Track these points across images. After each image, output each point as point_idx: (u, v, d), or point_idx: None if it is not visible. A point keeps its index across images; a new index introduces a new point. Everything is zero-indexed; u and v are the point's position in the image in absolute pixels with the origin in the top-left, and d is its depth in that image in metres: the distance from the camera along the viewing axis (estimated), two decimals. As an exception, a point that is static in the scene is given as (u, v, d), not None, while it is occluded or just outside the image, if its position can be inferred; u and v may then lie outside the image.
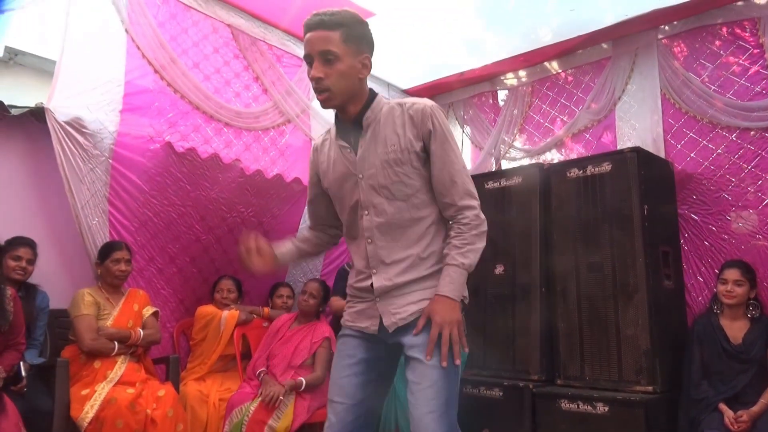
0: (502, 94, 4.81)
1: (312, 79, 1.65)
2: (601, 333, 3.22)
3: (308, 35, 1.64)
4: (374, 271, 1.71)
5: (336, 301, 3.72)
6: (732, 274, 3.03)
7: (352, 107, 1.70)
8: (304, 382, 3.27)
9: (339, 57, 1.61)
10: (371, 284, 1.71)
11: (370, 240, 1.71)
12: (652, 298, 3.10)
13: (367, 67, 1.69)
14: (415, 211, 1.70)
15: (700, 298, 3.51)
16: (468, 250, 1.65)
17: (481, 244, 1.69)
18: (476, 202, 1.71)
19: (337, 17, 1.62)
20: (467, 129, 4.92)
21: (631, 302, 3.13)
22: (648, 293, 3.10)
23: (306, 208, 2.06)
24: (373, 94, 1.74)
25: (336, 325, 4.00)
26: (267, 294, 3.99)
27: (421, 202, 1.71)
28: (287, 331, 3.58)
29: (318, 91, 1.65)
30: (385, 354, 1.76)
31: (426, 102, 1.71)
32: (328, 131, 1.84)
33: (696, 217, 3.60)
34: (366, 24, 1.69)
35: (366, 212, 1.71)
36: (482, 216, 1.71)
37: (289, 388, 3.21)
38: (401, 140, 1.67)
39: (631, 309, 3.12)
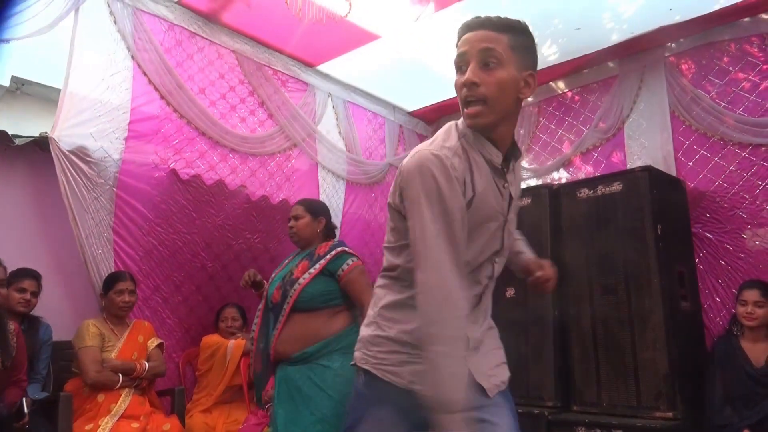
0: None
1: (463, 85, 1.31)
2: (617, 357, 3.13)
3: (468, 34, 1.33)
4: (480, 322, 1.46)
5: None
6: (752, 295, 2.95)
7: (504, 133, 1.38)
8: None
9: (502, 63, 1.30)
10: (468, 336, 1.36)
11: (486, 288, 1.46)
12: (670, 320, 3.02)
13: (530, 87, 1.36)
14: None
15: (717, 319, 3.42)
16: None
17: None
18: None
19: (507, 20, 1.33)
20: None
21: (647, 325, 3.05)
22: (665, 315, 3.01)
23: (455, 239, 1.31)
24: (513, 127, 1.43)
25: None
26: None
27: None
28: None
29: (467, 101, 1.31)
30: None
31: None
32: (459, 146, 1.36)
33: (710, 236, 3.52)
34: (534, 39, 1.39)
35: (497, 259, 1.45)
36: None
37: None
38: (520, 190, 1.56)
39: (648, 332, 3.04)
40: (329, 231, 2.88)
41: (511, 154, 1.42)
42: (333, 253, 2.64)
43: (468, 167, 1.36)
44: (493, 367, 1.45)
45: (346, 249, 2.69)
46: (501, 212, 1.40)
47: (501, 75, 1.30)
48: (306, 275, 2.59)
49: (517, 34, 1.33)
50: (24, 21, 2.91)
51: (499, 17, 1.33)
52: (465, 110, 1.33)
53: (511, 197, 1.44)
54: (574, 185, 3.54)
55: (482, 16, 1.34)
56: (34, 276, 2.93)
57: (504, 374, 1.49)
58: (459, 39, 1.36)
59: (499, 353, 1.51)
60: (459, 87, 1.34)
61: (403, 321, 1.39)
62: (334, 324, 2.54)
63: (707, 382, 3.03)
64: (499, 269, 1.48)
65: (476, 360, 1.39)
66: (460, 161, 1.35)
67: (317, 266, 2.60)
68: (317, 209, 2.86)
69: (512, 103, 1.35)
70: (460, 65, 1.34)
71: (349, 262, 2.62)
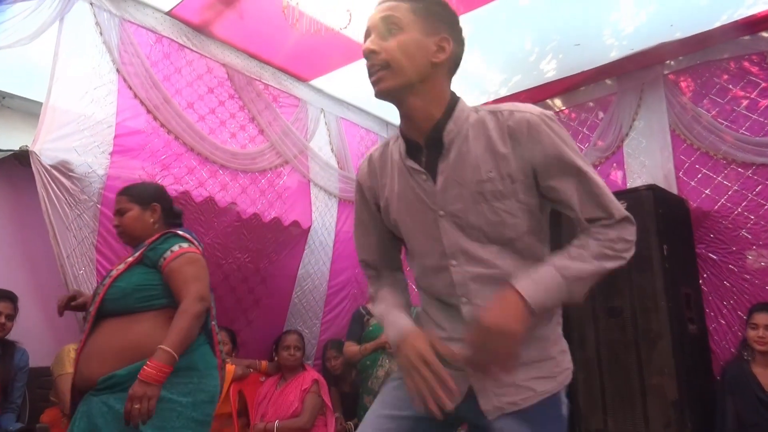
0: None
1: (364, 55, 1.24)
2: (624, 382, 3.02)
3: (372, 12, 1.29)
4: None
5: (349, 347, 3.53)
6: (763, 318, 2.87)
7: (421, 105, 1.25)
8: (275, 426, 3.13)
9: (403, 27, 1.22)
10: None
11: (464, 299, 1.26)
12: (678, 343, 2.92)
13: (445, 51, 1.25)
14: (520, 260, 1.25)
15: (724, 343, 3.33)
16: (585, 263, 1.20)
17: (609, 266, 1.24)
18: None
19: None
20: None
21: (655, 349, 2.94)
22: (673, 339, 2.92)
23: (356, 242, 1.50)
24: (454, 98, 1.28)
25: (347, 372, 3.78)
26: (269, 345, 3.75)
27: (526, 247, 1.27)
28: (275, 392, 3.39)
29: (371, 70, 1.24)
30: (444, 425, 1.27)
31: (531, 109, 1.25)
32: (386, 142, 1.40)
33: (715, 257, 3.45)
34: (449, 8, 1.30)
35: (454, 261, 1.26)
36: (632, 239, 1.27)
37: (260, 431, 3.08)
38: (500, 164, 1.22)
39: (655, 356, 2.93)
40: (170, 219, 2.27)
41: (433, 138, 1.26)
42: (156, 236, 2.07)
43: (376, 169, 1.39)
44: (508, 385, 1.22)
45: (179, 233, 2.10)
46: (423, 207, 1.28)
47: (402, 38, 1.23)
48: (121, 265, 2.03)
49: (422, 1, 1.26)
50: (6, 30, 2.79)
51: None
52: (370, 79, 1.26)
53: (440, 186, 1.25)
54: (575, 204, 3.44)
55: None
56: (10, 298, 2.77)
57: (527, 391, 1.22)
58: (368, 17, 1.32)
59: (539, 367, 1.25)
60: (365, 59, 1.26)
61: None
62: (163, 334, 1.83)
63: (718, 409, 2.92)
64: (462, 276, 1.25)
65: (480, 380, 1.24)
66: (369, 164, 1.41)
67: (136, 254, 2.04)
68: (147, 195, 2.23)
69: (424, 67, 1.23)
70: (366, 39, 1.28)
71: (175, 247, 2.00)
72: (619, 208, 1.30)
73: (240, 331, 3.69)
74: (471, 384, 1.24)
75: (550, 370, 1.26)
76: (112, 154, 3.14)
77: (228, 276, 3.67)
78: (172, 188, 3.32)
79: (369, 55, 1.24)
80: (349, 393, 3.81)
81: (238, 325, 3.72)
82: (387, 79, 1.23)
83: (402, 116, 1.31)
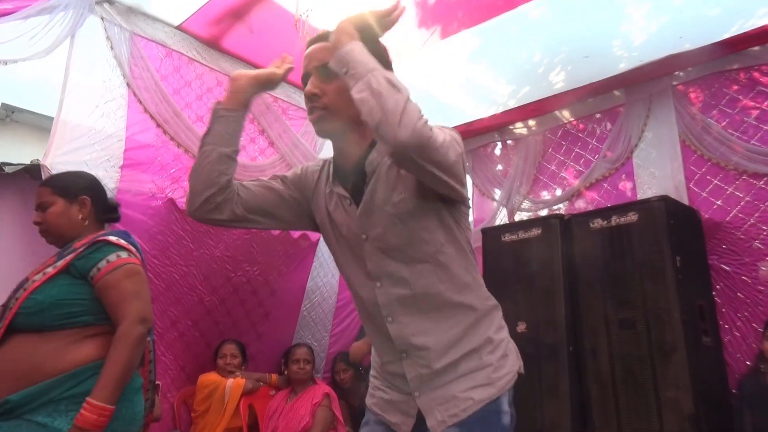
0: (512, 144, 4.70)
1: (306, 96, 1.34)
2: (638, 395, 2.98)
3: (307, 50, 1.38)
4: (403, 355, 1.34)
5: (356, 346, 3.53)
6: (779, 330, 2.83)
7: (357, 140, 1.35)
8: None
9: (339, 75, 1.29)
10: (402, 372, 1.34)
11: (389, 318, 1.33)
12: (693, 356, 2.88)
13: None
14: (444, 274, 1.32)
15: (738, 355, 3.28)
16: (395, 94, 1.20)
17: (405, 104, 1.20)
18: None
19: None
20: (477, 180, 4.78)
21: (669, 361, 2.91)
22: (688, 351, 2.88)
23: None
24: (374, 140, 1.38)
25: (356, 385, 3.76)
26: (279, 358, 3.72)
27: (449, 258, 1.32)
28: (285, 406, 3.36)
29: (312, 110, 1.34)
30: None
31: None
32: (326, 162, 1.50)
33: (728, 268, 3.41)
34: (382, 45, 1.38)
35: (378, 284, 1.34)
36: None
37: None
38: (409, 185, 1.30)
39: (670, 368, 2.89)
40: (104, 215, 2.02)
41: (359, 168, 1.35)
42: (88, 242, 1.79)
43: (311, 180, 1.50)
44: (449, 399, 1.30)
45: (113, 240, 1.82)
46: (349, 231, 1.37)
47: (340, 84, 1.28)
48: (40, 275, 1.75)
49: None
50: (20, 45, 2.81)
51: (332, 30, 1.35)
52: (309, 118, 1.37)
53: (361, 211, 1.34)
54: (586, 216, 3.43)
55: (325, 30, 1.38)
56: (21, 312, 2.74)
57: (466, 401, 1.28)
58: (304, 56, 1.40)
59: (474, 377, 1.31)
60: (305, 101, 1.37)
61: None
62: (74, 353, 1.64)
63: (735, 423, 2.88)
64: (386, 297, 1.32)
65: (425, 397, 1.33)
66: (306, 171, 1.54)
67: (60, 262, 1.76)
68: (74, 186, 1.95)
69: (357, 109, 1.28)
70: (305, 81, 1.37)
71: (112, 257, 1.75)
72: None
73: (249, 344, 3.67)
74: (419, 406, 1.33)
75: (488, 376, 1.31)
76: (122, 167, 3.15)
77: (237, 289, 3.67)
78: (182, 201, 3.32)
79: (311, 97, 1.34)
80: (358, 406, 3.78)
81: (248, 338, 3.70)
82: (326, 121, 1.33)
83: (335, 148, 1.42)
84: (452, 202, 1.35)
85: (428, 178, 1.22)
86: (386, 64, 1.35)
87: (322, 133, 1.38)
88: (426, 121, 1.17)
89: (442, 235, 1.33)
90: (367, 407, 1.50)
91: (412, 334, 1.32)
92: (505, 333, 1.41)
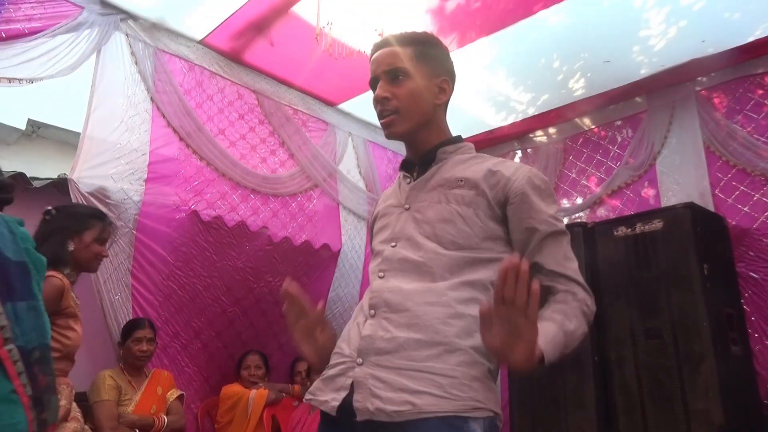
0: (532, 152, 4.68)
1: (376, 100, 1.34)
2: (666, 407, 2.92)
3: (374, 55, 1.37)
4: (372, 312, 1.22)
5: None
6: (812, 338, 2.77)
7: (426, 138, 1.37)
8: None
9: (410, 75, 1.33)
10: (360, 332, 1.22)
11: (382, 274, 1.27)
12: (722, 366, 2.82)
13: (446, 92, 1.38)
14: (455, 265, 1.23)
15: (769, 365, 3.22)
16: (576, 325, 1.16)
17: (585, 328, 1.20)
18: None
19: (409, 34, 1.38)
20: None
21: (698, 371, 2.85)
22: (716, 361, 2.82)
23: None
24: (459, 138, 1.41)
25: None
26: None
27: (468, 259, 1.23)
28: (308, 418, 3.35)
29: (382, 114, 1.33)
30: None
31: (521, 166, 1.32)
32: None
33: (756, 276, 3.35)
34: (445, 48, 1.41)
35: (393, 244, 1.30)
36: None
37: None
38: (473, 179, 1.29)
39: (699, 379, 2.84)
40: None
41: (431, 155, 1.37)
42: None
43: (380, 199, 1.50)
44: (385, 382, 1.13)
45: None
46: (399, 205, 1.37)
47: (410, 86, 1.33)
48: None
49: (422, 45, 1.37)
50: (47, 62, 2.87)
51: (403, 32, 1.38)
52: (381, 122, 1.36)
53: (415, 185, 1.36)
54: (610, 223, 3.39)
55: (388, 35, 1.39)
56: (49, 324, 2.79)
57: (403, 403, 1.10)
58: (371, 60, 1.40)
59: (428, 378, 1.12)
60: (374, 105, 1.36)
61: None
62: None
63: (768, 434, 2.82)
64: (393, 255, 1.27)
65: (365, 369, 1.17)
66: (377, 204, 1.51)
67: None
68: None
69: (429, 110, 1.36)
70: (373, 87, 1.38)
71: None
72: (578, 272, 1.27)
73: (272, 355, 3.68)
74: (354, 377, 1.17)
75: (444, 387, 1.11)
76: (146, 180, 3.19)
77: (259, 299, 3.69)
78: (205, 213, 3.36)
79: (382, 101, 1.33)
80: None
81: (270, 349, 3.71)
82: (397, 124, 1.33)
83: (408, 147, 1.41)
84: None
85: None
86: (449, 72, 1.40)
87: (392, 136, 1.36)
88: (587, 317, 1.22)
89: (475, 239, 1.25)
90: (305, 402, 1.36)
91: (392, 290, 1.22)
92: (490, 365, 1.20)
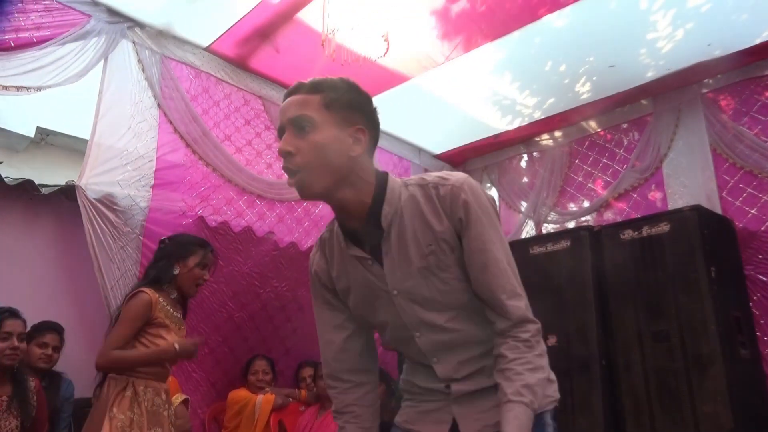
0: (538, 156, 4.67)
1: (279, 154, 1.21)
2: (674, 410, 2.91)
3: (283, 104, 1.25)
4: (448, 385, 1.35)
5: None
6: (821, 341, 2.75)
7: (350, 196, 1.23)
8: None
9: (316, 125, 1.19)
10: (448, 391, 1.34)
11: (435, 359, 1.33)
12: (730, 369, 2.81)
13: (362, 142, 1.23)
14: (476, 314, 1.29)
15: (778, 368, 3.19)
16: (537, 381, 1.19)
17: (547, 370, 1.28)
18: (528, 308, 1.26)
19: (320, 80, 1.25)
20: (503, 193, 4.75)
21: (706, 374, 2.84)
22: (725, 364, 2.80)
23: (321, 349, 1.45)
24: (382, 179, 1.26)
25: (387, 400, 3.73)
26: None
27: (480, 306, 1.30)
28: (315, 423, 3.35)
29: (289, 173, 1.20)
30: None
31: (456, 178, 1.26)
32: (330, 230, 1.38)
33: (764, 279, 3.33)
34: (362, 93, 1.28)
35: (417, 333, 1.31)
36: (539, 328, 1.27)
37: None
38: (437, 235, 1.23)
39: (707, 382, 2.82)
40: None
41: (371, 223, 1.25)
42: None
43: (327, 257, 1.37)
44: (487, 409, 1.28)
45: None
46: (377, 289, 1.30)
47: (316, 138, 1.19)
48: None
49: (333, 91, 1.23)
50: (55, 70, 2.90)
51: (315, 79, 1.25)
52: (288, 182, 1.23)
53: (387, 268, 1.28)
54: (616, 227, 3.39)
55: (300, 82, 1.26)
56: (57, 330, 2.81)
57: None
58: (280, 109, 1.28)
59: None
60: (280, 155, 1.24)
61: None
62: None
63: (778, 438, 2.79)
64: (429, 343, 1.31)
65: (462, 407, 1.33)
66: (320, 255, 1.39)
67: None
68: None
69: (343, 163, 1.21)
70: (280, 135, 1.24)
71: None
72: (515, 304, 1.26)
73: (278, 360, 3.68)
74: (453, 414, 1.32)
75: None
76: (153, 187, 3.22)
77: (266, 305, 3.69)
78: (212, 219, 3.38)
79: (285, 155, 1.20)
80: (389, 421, 3.75)
81: (276, 354, 3.71)
82: (307, 186, 1.20)
83: (334, 209, 1.30)
84: None
85: None
86: (366, 120, 1.26)
87: (307, 198, 1.24)
88: (546, 376, 1.26)
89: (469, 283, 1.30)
90: (395, 425, 1.47)
91: (456, 371, 1.32)
92: (547, 359, 1.33)
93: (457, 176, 1.27)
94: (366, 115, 1.26)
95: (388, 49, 2.73)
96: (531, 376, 1.18)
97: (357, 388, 1.43)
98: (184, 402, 3.02)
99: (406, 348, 1.37)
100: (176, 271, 2.47)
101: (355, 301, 1.35)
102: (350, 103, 1.24)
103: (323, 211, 4.04)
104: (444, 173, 1.29)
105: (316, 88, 1.23)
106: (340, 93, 1.23)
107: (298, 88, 1.24)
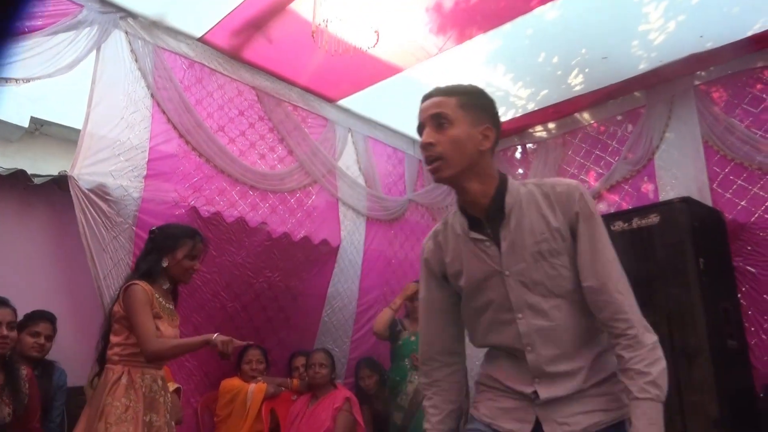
0: (532, 147, 4.68)
1: (422, 147, 1.44)
2: (662, 400, 2.93)
3: (423, 104, 1.47)
4: (537, 380, 1.42)
5: (379, 318, 3.69)
6: (807, 332, 2.78)
7: (476, 186, 1.44)
8: None
9: (452, 122, 1.40)
10: (534, 391, 1.42)
11: (530, 348, 1.41)
12: (717, 359, 2.84)
13: (489, 139, 1.44)
14: (578, 309, 1.41)
15: (766, 358, 3.22)
16: (658, 374, 1.31)
17: (664, 362, 1.36)
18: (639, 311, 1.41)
19: (455, 86, 1.47)
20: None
21: (694, 364, 2.87)
22: (712, 354, 2.84)
23: (421, 330, 1.65)
24: (503, 176, 1.48)
25: (380, 390, 3.76)
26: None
27: (582, 299, 1.42)
28: (306, 411, 3.39)
29: (428, 160, 1.43)
30: None
31: (571, 181, 1.47)
32: (445, 220, 1.58)
33: (753, 270, 3.35)
34: (490, 98, 1.50)
35: (520, 315, 1.42)
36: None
37: None
38: (551, 225, 1.41)
39: (694, 372, 2.86)
40: None
41: (495, 209, 1.44)
42: None
43: (441, 244, 1.56)
44: (571, 414, 1.39)
45: None
46: (490, 270, 1.45)
47: (453, 133, 1.40)
48: None
49: (466, 95, 1.45)
50: (47, 60, 2.90)
51: (450, 85, 1.47)
52: (427, 167, 1.44)
53: (505, 250, 1.43)
54: (607, 218, 3.35)
55: (437, 87, 1.48)
56: (49, 319, 2.83)
57: (588, 419, 1.38)
58: (419, 110, 1.48)
59: (600, 401, 1.40)
60: (421, 150, 1.46)
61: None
62: None
63: (762, 428, 2.82)
64: (530, 328, 1.41)
65: (545, 411, 1.41)
66: (435, 240, 1.58)
67: None
68: None
69: (473, 155, 1.42)
70: (420, 132, 1.46)
71: None
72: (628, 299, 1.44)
73: (271, 350, 3.71)
74: (537, 414, 1.40)
75: (610, 403, 1.39)
76: (146, 177, 3.22)
77: (259, 295, 3.72)
78: (205, 209, 3.39)
79: (426, 147, 1.42)
80: (382, 411, 3.79)
81: (270, 344, 3.74)
82: (443, 170, 1.41)
83: (460, 196, 1.48)
84: None
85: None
86: (492, 120, 1.47)
87: (440, 181, 1.44)
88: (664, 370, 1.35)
89: (577, 275, 1.42)
90: (473, 414, 1.54)
91: (548, 363, 1.41)
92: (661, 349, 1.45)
93: (572, 180, 1.48)
94: (492, 117, 1.47)
95: (378, 41, 2.73)
96: (653, 369, 1.31)
97: (447, 367, 1.59)
98: (177, 391, 3.04)
99: (500, 334, 1.46)
100: (165, 264, 2.47)
101: (467, 281, 1.49)
102: (481, 105, 1.46)
103: (316, 201, 4.05)
104: (557, 178, 1.51)
105: (451, 91, 1.45)
106: (472, 96, 1.46)
107: (436, 92, 1.46)
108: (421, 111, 1.46)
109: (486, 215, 1.45)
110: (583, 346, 1.41)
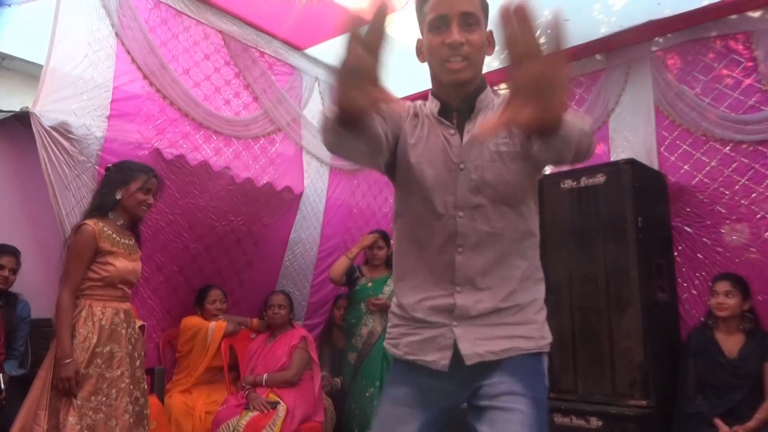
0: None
1: (450, 45, 1.33)
2: (594, 346, 3.18)
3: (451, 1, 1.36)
4: (458, 289, 1.37)
5: (335, 266, 3.86)
6: (722, 285, 3.02)
7: (471, 85, 1.41)
8: (264, 378, 3.33)
9: (479, 23, 1.37)
10: (452, 303, 1.37)
11: (461, 249, 1.37)
12: (646, 310, 3.07)
13: (492, 45, 1.42)
14: (521, 224, 1.39)
15: (693, 312, 3.48)
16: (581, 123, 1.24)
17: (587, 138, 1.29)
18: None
19: None
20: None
21: (625, 314, 3.10)
22: (642, 305, 3.07)
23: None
24: (485, 79, 1.46)
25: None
26: (261, 305, 3.88)
27: (530, 212, 1.42)
28: (264, 348, 3.56)
29: (453, 59, 1.34)
30: (453, 399, 1.43)
31: None
32: (415, 104, 1.51)
33: (690, 230, 3.58)
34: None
35: (461, 213, 1.37)
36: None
37: (249, 383, 3.32)
38: (513, 131, 1.34)
39: (624, 321, 3.09)
40: None
41: (468, 102, 1.42)
42: None
43: (413, 121, 1.47)
44: (490, 338, 1.35)
45: None
46: (445, 158, 1.40)
47: (480, 35, 1.38)
48: None
49: None
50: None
51: None
52: (447, 65, 1.36)
53: (466, 142, 1.39)
54: (557, 176, 3.56)
55: None
56: (13, 252, 2.91)
57: (507, 343, 1.35)
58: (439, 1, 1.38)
59: (521, 328, 1.37)
60: (439, 46, 1.36)
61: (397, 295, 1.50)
62: None
63: (681, 371, 3.09)
64: (467, 229, 1.37)
65: (464, 329, 1.37)
66: (413, 113, 1.48)
67: None
68: None
69: (482, 62, 1.43)
70: (438, 24, 1.37)
71: None
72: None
73: (233, 291, 3.85)
74: (456, 336, 1.36)
75: (532, 332, 1.38)
76: (109, 117, 3.23)
77: (222, 238, 3.82)
78: (168, 152, 3.44)
79: (456, 45, 1.34)
80: (342, 349, 3.96)
81: (231, 285, 3.88)
82: (466, 71, 1.37)
83: (451, 88, 1.42)
84: (543, 164, 1.45)
85: (554, 157, 1.28)
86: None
87: (457, 81, 1.38)
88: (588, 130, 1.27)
89: (530, 187, 1.42)
90: (396, 357, 1.48)
91: (477, 272, 1.37)
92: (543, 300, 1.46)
93: None
94: (490, 23, 1.43)
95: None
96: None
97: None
98: (141, 327, 3.16)
99: (430, 230, 1.40)
100: (119, 197, 2.53)
101: (418, 158, 1.42)
102: (487, 9, 1.42)
103: (280, 149, 4.12)
104: None
105: None
106: (485, 0, 1.42)
107: None
108: (447, 3, 1.36)
109: (457, 107, 1.43)
110: (516, 263, 1.38)
